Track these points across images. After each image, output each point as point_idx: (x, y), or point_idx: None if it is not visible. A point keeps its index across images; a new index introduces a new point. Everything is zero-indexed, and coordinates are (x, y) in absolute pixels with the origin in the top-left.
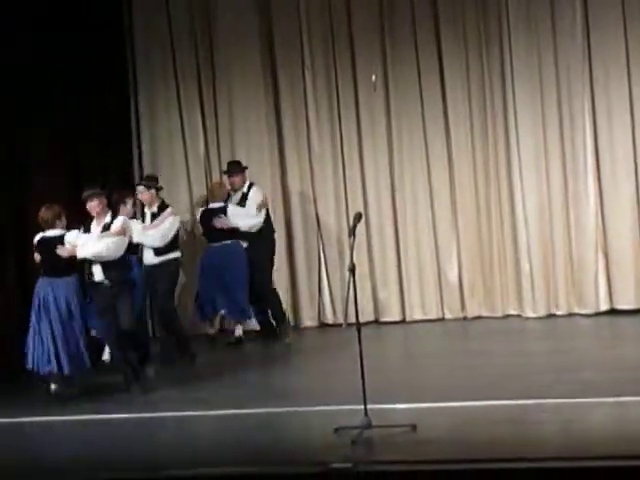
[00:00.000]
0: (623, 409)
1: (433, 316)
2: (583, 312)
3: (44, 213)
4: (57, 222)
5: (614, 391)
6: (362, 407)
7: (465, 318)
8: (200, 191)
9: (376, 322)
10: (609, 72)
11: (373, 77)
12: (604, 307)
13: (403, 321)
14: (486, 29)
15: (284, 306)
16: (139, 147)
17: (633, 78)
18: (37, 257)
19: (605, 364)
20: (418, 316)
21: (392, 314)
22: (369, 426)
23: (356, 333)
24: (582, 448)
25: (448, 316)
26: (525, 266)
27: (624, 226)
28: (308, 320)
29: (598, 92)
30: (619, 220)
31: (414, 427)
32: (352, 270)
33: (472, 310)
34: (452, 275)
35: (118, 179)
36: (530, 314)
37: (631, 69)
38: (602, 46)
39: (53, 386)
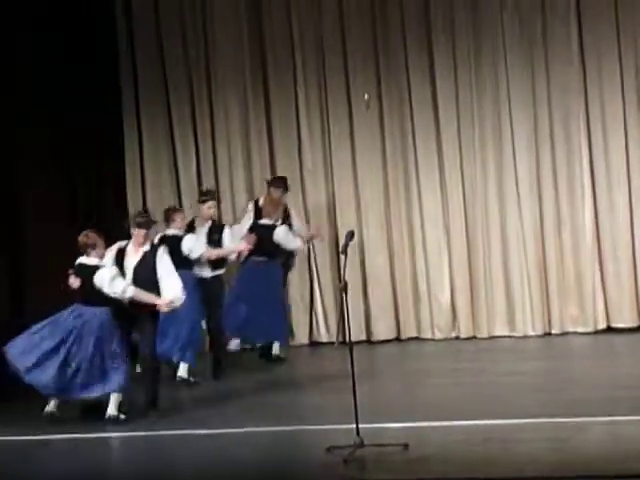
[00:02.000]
0: (617, 428)
1: (427, 335)
2: (580, 330)
3: (80, 238)
4: (90, 250)
5: (608, 410)
6: (354, 426)
7: (458, 337)
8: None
9: (368, 341)
10: (603, 92)
11: (366, 96)
12: (601, 326)
13: (397, 339)
14: (477, 51)
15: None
16: (142, 172)
17: (627, 97)
18: (74, 282)
19: (601, 383)
20: (411, 335)
21: (385, 333)
22: (361, 445)
23: (348, 352)
24: (575, 467)
25: (439, 336)
26: (519, 285)
27: (620, 244)
28: (301, 338)
29: (593, 112)
30: (615, 239)
31: (406, 446)
32: (344, 289)
33: (466, 330)
34: (444, 295)
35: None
36: (528, 333)
37: (625, 88)
38: (597, 64)
39: (51, 406)
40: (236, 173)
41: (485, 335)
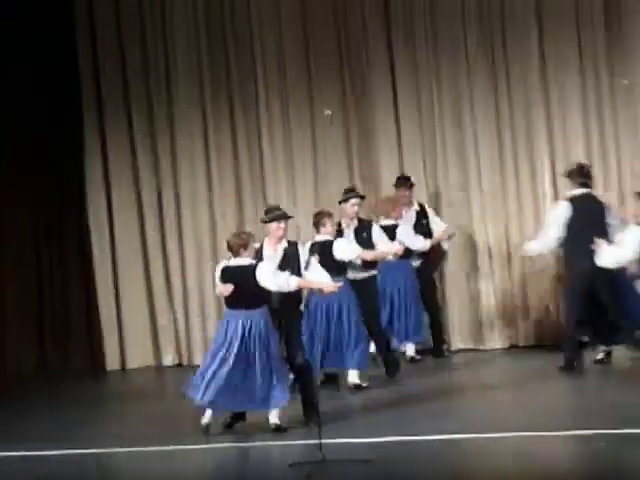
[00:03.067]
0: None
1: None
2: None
3: (232, 240)
4: (243, 251)
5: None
6: (317, 442)
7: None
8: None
9: None
10: (566, 113)
11: (327, 112)
12: None
13: None
14: (437, 62)
15: None
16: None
17: (590, 116)
18: (224, 288)
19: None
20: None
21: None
22: (324, 461)
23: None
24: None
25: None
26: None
27: None
28: None
29: (557, 130)
30: None
31: (368, 462)
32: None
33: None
34: None
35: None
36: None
37: (587, 107)
38: (559, 85)
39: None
40: (199, 187)
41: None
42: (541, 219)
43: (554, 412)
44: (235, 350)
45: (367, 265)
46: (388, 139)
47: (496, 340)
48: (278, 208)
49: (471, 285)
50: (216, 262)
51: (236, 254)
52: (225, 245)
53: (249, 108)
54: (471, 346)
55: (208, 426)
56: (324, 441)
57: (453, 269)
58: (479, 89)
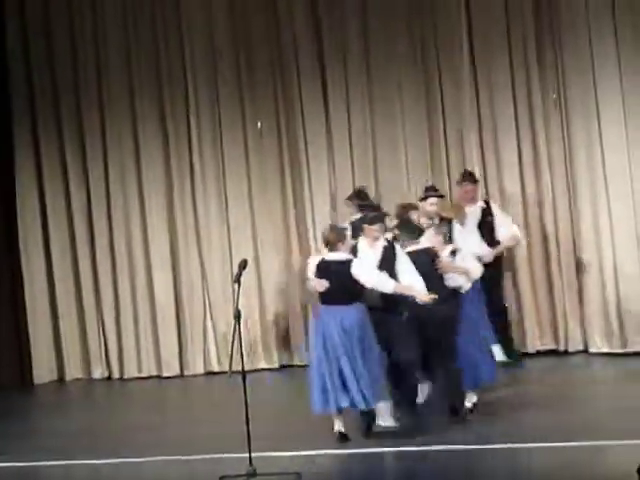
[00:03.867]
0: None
1: None
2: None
3: (327, 235)
4: (337, 244)
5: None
6: (247, 455)
7: None
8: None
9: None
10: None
11: (259, 124)
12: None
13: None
14: (369, 79)
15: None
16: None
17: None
18: (319, 283)
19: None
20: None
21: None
22: (254, 474)
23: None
24: None
25: None
26: None
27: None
28: (195, 368)
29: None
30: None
31: (299, 475)
32: (237, 317)
33: None
34: None
35: None
36: None
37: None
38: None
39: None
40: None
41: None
42: None
43: None
44: (330, 347)
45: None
46: (319, 150)
47: None
48: (377, 208)
49: None
50: (149, 274)
51: (332, 248)
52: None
53: (180, 118)
54: None
55: (342, 433)
56: (254, 454)
57: None
58: (411, 98)
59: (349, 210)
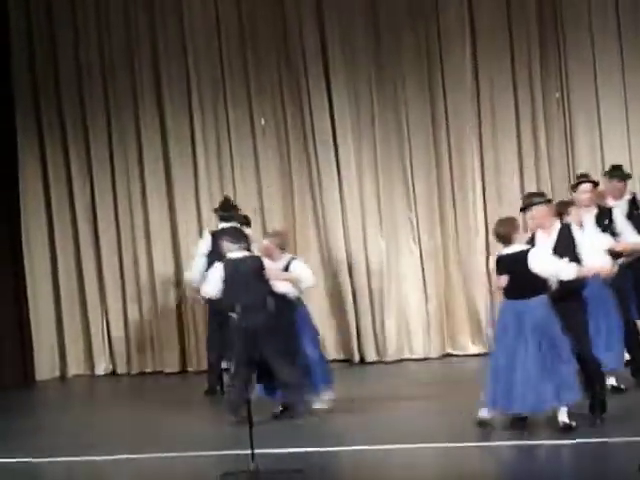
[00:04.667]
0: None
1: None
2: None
3: (498, 228)
4: (512, 237)
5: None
6: (249, 452)
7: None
8: None
9: None
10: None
11: (262, 121)
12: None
13: None
14: (379, 81)
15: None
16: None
17: (522, 135)
18: (499, 280)
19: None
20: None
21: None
22: (256, 471)
23: None
24: None
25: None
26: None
27: None
28: (198, 365)
29: (487, 147)
30: None
31: (301, 472)
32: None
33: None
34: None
35: None
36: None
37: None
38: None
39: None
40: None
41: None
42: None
43: None
44: (510, 342)
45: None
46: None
47: None
48: (539, 195)
49: None
50: (151, 271)
51: (507, 242)
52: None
53: (182, 116)
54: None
55: (483, 422)
56: (257, 451)
57: None
58: (415, 100)
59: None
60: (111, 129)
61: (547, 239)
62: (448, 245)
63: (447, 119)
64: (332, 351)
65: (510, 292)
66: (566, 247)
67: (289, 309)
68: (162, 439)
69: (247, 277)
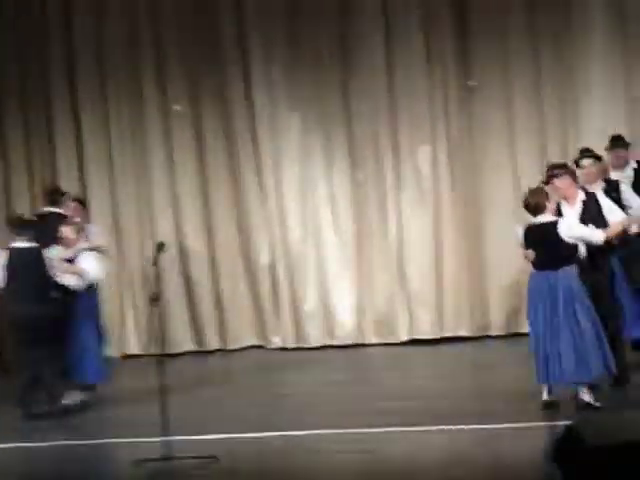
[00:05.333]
0: (421, 438)
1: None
2: (384, 342)
3: (529, 199)
4: (545, 206)
5: (410, 421)
6: (163, 439)
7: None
8: None
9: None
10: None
11: (176, 107)
12: (404, 337)
13: (221, 350)
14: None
15: None
16: None
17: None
18: (527, 254)
19: (405, 394)
20: (236, 345)
21: (210, 343)
22: (170, 458)
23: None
24: (379, 478)
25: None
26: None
27: (422, 258)
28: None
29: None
30: (417, 252)
31: (215, 458)
32: (155, 299)
33: (284, 340)
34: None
35: None
36: (335, 342)
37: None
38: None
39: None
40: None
41: (305, 345)
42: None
43: None
44: (541, 315)
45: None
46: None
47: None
48: (562, 166)
49: None
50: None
51: (539, 212)
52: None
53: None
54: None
55: (547, 403)
56: (170, 438)
57: None
58: (331, 94)
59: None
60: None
61: (572, 209)
62: (368, 233)
63: (361, 110)
64: (249, 337)
65: (540, 263)
66: (593, 215)
67: (73, 300)
68: (75, 426)
69: (25, 267)
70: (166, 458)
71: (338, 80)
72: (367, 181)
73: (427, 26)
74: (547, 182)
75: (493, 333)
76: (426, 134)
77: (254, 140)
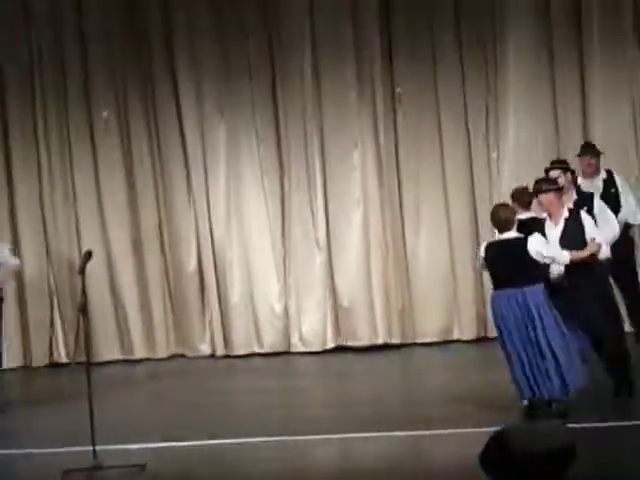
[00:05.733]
0: (347, 446)
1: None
2: (311, 350)
3: (499, 214)
4: (514, 223)
5: (339, 428)
6: (92, 448)
7: (213, 356)
8: None
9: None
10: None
11: (104, 114)
12: (331, 344)
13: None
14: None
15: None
16: None
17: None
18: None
19: (331, 401)
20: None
21: (138, 352)
22: (99, 467)
23: (88, 373)
24: None
25: (190, 354)
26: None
27: (352, 265)
28: (39, 359)
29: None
30: (346, 258)
31: (143, 467)
32: (82, 308)
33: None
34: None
35: None
36: (262, 350)
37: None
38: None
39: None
40: None
41: (233, 353)
42: None
43: None
44: (507, 333)
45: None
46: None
47: None
48: (549, 182)
49: None
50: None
51: (507, 228)
52: None
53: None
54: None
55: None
56: (99, 447)
57: None
58: (263, 99)
59: None
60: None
61: (554, 227)
62: (297, 238)
63: (287, 119)
64: (175, 345)
65: (505, 281)
66: (574, 235)
67: None
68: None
69: None
70: (95, 467)
71: (266, 87)
72: (298, 186)
73: (355, 27)
74: (535, 195)
75: (424, 340)
76: (354, 140)
77: (183, 145)
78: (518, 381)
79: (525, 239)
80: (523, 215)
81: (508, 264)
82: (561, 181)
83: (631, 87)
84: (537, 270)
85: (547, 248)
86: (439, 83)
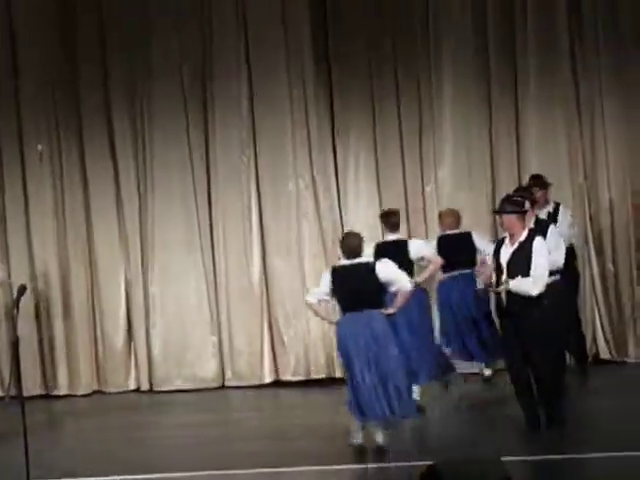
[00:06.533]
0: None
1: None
2: (247, 384)
3: (348, 240)
4: (362, 249)
5: (272, 462)
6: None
7: (138, 390)
8: None
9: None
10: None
11: (39, 147)
12: (268, 379)
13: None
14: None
15: None
16: None
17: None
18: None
19: (266, 435)
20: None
21: (61, 388)
22: None
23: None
24: None
25: (113, 390)
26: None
27: (287, 298)
28: None
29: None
30: (282, 293)
31: None
32: (15, 343)
33: (145, 383)
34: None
35: None
36: (197, 385)
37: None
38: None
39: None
40: None
41: (162, 388)
42: None
43: None
44: (351, 356)
45: None
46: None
47: None
48: (513, 203)
49: None
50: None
51: (355, 254)
52: None
53: None
54: None
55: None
56: None
57: None
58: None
59: None
60: None
61: (510, 247)
62: (231, 273)
63: (223, 143)
64: (103, 381)
65: (352, 304)
66: (520, 259)
67: None
68: None
69: None
70: None
71: (199, 111)
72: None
73: (289, 48)
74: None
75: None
76: (288, 168)
77: (116, 182)
78: (352, 405)
79: (373, 264)
80: (390, 237)
81: (353, 289)
82: (527, 206)
83: (566, 115)
84: (381, 295)
85: (395, 271)
86: (377, 117)
